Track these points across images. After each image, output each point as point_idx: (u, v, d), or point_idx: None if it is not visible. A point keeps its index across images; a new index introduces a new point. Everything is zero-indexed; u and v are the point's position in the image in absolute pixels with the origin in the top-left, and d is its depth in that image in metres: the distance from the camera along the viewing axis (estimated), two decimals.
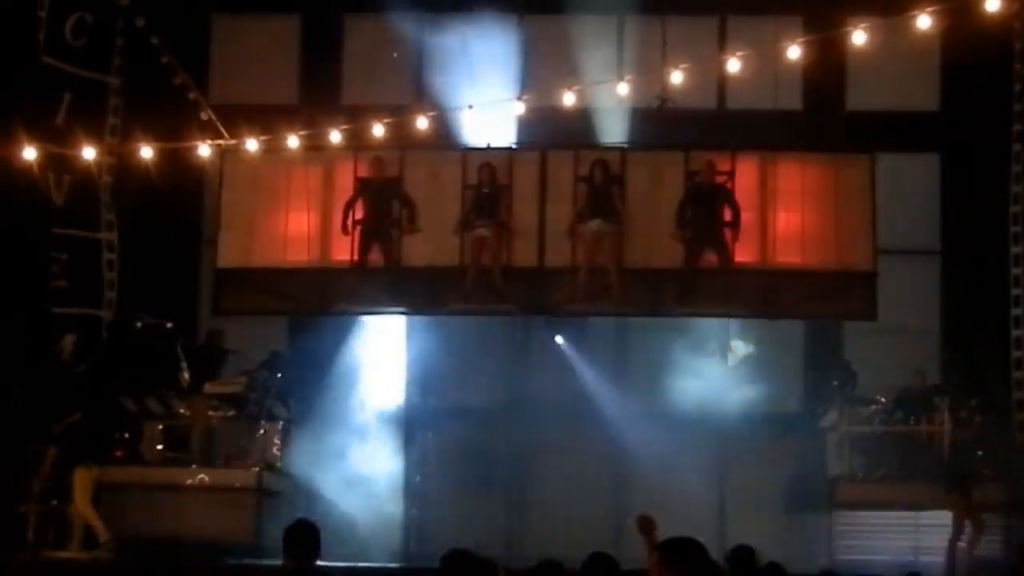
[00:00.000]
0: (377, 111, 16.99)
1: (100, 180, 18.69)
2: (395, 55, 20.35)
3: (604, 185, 17.07)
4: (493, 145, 17.78)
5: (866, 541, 16.53)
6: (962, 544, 15.53)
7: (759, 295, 17.24)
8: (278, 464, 17.93)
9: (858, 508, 16.88)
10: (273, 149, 16.79)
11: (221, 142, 17.10)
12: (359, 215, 17.45)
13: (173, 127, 17.38)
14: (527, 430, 18.95)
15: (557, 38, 19.51)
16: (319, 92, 20.37)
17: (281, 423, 18.19)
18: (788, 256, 17.22)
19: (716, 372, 18.63)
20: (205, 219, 19.90)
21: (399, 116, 16.62)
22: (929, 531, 16.31)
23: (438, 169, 17.77)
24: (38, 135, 16.90)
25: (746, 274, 17.06)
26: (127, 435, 17.73)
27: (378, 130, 16.46)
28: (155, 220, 19.16)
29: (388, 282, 17.46)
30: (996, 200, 18.65)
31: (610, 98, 16.72)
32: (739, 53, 15.41)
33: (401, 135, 16.65)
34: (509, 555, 16.03)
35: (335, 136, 16.68)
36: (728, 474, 18.60)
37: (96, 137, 17.79)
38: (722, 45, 19.05)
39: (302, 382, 18.53)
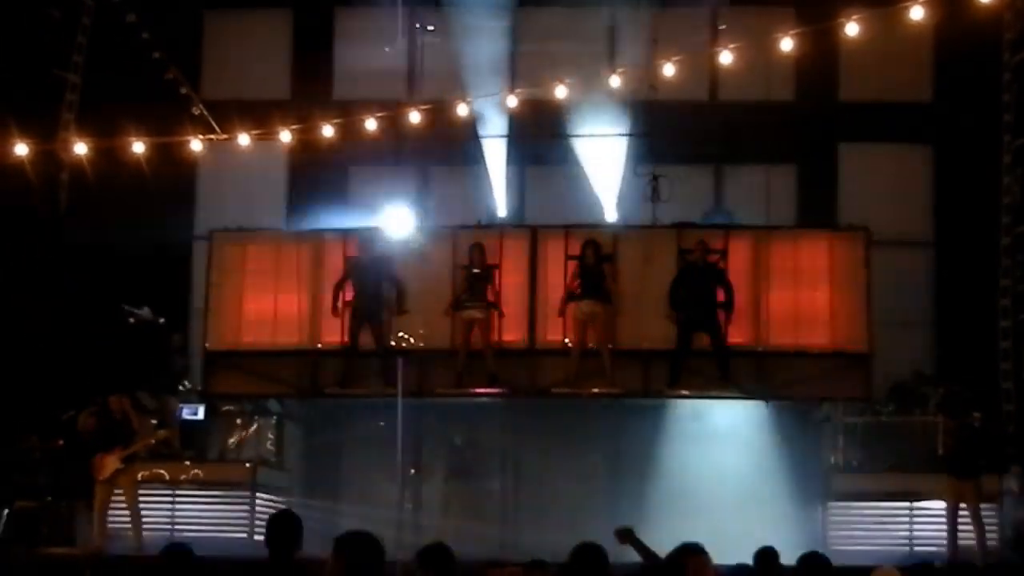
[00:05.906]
0: (369, 106, 16.92)
1: (58, 177, 18.65)
2: (387, 49, 20.32)
3: (595, 265, 16.87)
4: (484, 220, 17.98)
5: (861, 532, 16.52)
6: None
7: (752, 376, 17.02)
8: (272, 459, 17.92)
9: (853, 499, 16.87)
10: (264, 141, 16.75)
11: (213, 136, 17.04)
12: (349, 296, 17.10)
13: (165, 123, 17.31)
14: (517, 427, 18.81)
15: (547, 31, 19.45)
16: (311, 87, 20.32)
17: (274, 418, 18.17)
18: (781, 336, 17.06)
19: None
20: (197, 215, 19.84)
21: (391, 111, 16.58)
22: (924, 521, 16.32)
23: (428, 249, 17.31)
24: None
25: (739, 355, 16.86)
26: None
27: (371, 124, 16.45)
28: (147, 216, 19.06)
29: (379, 364, 17.00)
30: (988, 190, 18.64)
31: (602, 90, 16.63)
32: (731, 45, 15.39)
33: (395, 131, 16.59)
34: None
35: (328, 130, 16.62)
36: (723, 465, 18.51)
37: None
38: (714, 36, 19.01)
39: None
